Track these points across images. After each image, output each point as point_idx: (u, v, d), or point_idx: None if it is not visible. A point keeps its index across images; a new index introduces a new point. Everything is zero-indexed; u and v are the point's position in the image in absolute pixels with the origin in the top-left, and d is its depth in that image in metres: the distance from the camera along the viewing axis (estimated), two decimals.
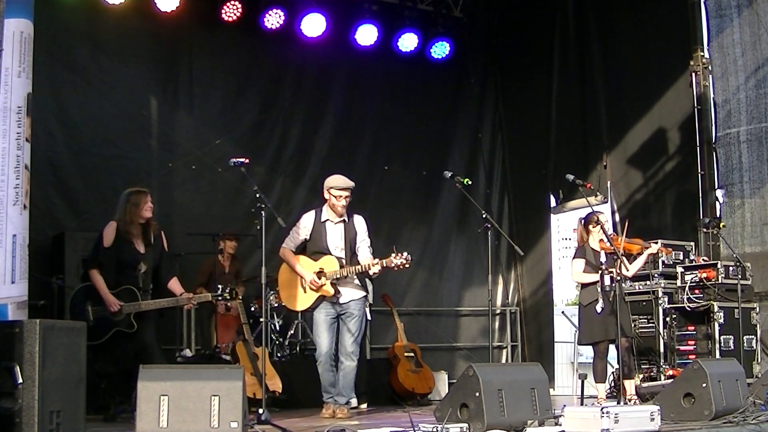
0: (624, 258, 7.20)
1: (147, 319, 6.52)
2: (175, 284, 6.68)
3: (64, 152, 8.86)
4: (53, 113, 8.75)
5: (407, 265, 6.63)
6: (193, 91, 9.73)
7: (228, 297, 6.59)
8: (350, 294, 6.82)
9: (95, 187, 8.98)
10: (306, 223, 6.88)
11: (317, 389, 6.87)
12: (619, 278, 6.89)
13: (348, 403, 6.88)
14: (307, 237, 6.85)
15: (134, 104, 9.30)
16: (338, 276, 6.71)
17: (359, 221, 6.96)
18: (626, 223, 7.52)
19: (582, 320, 7.43)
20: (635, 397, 7.13)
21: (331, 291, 6.72)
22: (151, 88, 9.48)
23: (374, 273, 6.69)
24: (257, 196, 6.06)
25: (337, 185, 6.80)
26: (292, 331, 8.89)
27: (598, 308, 7.09)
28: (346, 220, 6.87)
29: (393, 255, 6.56)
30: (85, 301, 6.46)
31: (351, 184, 6.83)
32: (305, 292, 6.78)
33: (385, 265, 6.60)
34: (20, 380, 4.06)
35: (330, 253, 6.78)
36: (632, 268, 7.50)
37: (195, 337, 9.04)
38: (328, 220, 6.85)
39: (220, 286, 6.59)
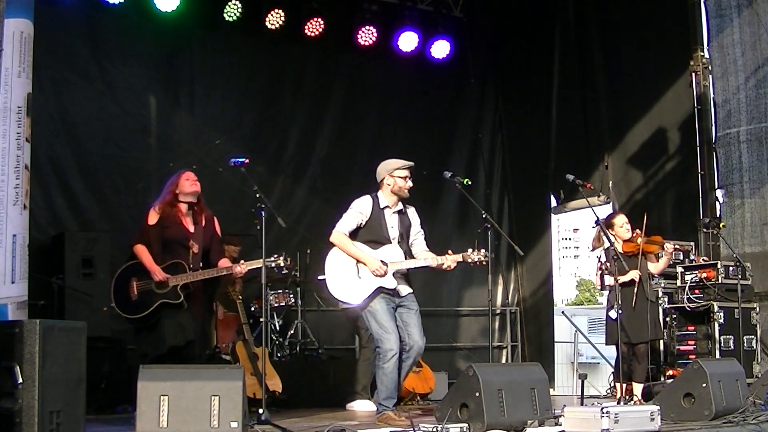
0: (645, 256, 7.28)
1: (196, 299, 6.36)
2: (225, 264, 6.48)
3: (65, 152, 8.85)
4: (54, 113, 8.73)
5: (484, 262, 6.20)
6: (193, 91, 9.73)
7: (282, 264, 6.21)
8: (406, 288, 6.31)
9: (95, 187, 8.98)
10: (363, 208, 6.27)
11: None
12: (616, 281, 6.91)
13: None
14: (362, 223, 6.26)
15: (134, 104, 9.29)
16: (404, 268, 6.26)
17: (413, 212, 6.51)
18: (645, 220, 7.39)
19: (606, 322, 7.46)
20: (638, 398, 7.10)
21: (394, 282, 6.18)
22: (151, 88, 9.48)
23: (448, 267, 6.20)
24: (257, 196, 6.02)
25: (401, 166, 6.31)
26: (292, 331, 8.89)
27: (612, 315, 7.02)
28: (402, 209, 6.43)
29: (470, 250, 6.18)
30: (130, 277, 6.29)
31: (411, 163, 6.42)
32: (360, 279, 6.16)
33: (462, 259, 6.14)
34: (20, 380, 4.06)
35: (391, 243, 6.27)
36: (657, 267, 7.52)
37: None
38: (387, 207, 6.32)
39: (275, 255, 6.17)
